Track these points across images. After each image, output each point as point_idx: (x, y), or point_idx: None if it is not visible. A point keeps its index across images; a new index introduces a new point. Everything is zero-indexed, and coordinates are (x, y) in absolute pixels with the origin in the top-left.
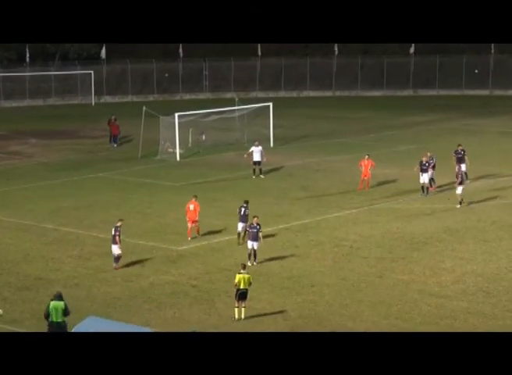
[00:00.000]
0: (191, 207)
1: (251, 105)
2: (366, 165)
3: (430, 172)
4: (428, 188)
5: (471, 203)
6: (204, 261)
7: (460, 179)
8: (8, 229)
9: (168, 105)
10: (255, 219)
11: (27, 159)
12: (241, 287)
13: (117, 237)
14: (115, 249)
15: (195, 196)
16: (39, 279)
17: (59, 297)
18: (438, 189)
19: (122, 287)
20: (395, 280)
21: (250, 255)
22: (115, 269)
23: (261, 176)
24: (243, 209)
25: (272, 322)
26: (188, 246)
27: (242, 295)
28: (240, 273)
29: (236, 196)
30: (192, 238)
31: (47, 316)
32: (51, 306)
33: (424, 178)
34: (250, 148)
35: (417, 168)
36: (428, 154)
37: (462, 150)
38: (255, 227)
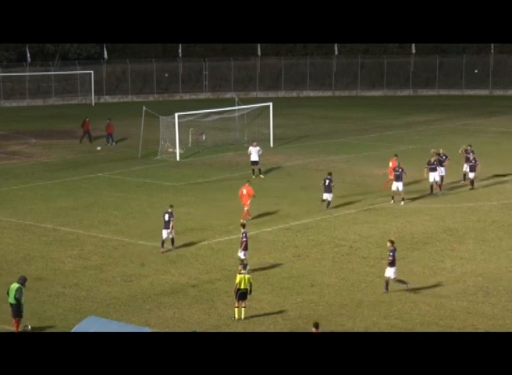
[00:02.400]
0: (244, 191)
1: (251, 105)
2: (393, 164)
3: (441, 169)
4: (440, 186)
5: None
6: (204, 261)
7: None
8: (8, 229)
9: (168, 105)
10: (243, 229)
11: (27, 159)
12: (241, 287)
13: (171, 222)
14: (166, 233)
15: (248, 181)
16: (39, 279)
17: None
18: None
19: (121, 287)
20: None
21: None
22: (161, 253)
23: (261, 176)
24: (327, 181)
25: (272, 322)
26: (188, 246)
27: (242, 295)
28: (240, 274)
29: (236, 196)
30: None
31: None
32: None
33: (435, 176)
34: (248, 148)
35: (426, 170)
36: (441, 150)
37: (471, 151)
38: (245, 236)
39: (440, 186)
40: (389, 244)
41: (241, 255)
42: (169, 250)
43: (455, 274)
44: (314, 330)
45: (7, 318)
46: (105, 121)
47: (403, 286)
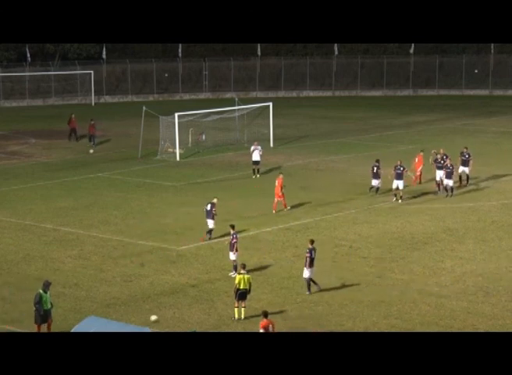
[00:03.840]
0: (275, 183)
1: (251, 105)
2: (419, 161)
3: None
4: (439, 185)
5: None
6: (204, 261)
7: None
8: (8, 229)
9: (168, 105)
10: (232, 230)
11: (27, 159)
12: (241, 287)
13: (213, 211)
14: (211, 223)
15: (281, 172)
16: (39, 279)
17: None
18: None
19: (121, 287)
20: (394, 280)
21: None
22: (202, 240)
23: (257, 175)
24: (375, 168)
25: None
26: (188, 246)
27: (242, 295)
28: (240, 274)
29: (235, 196)
30: (277, 212)
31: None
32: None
33: (440, 175)
34: (250, 148)
35: (432, 161)
36: (441, 151)
37: (468, 153)
38: (234, 237)
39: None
40: (309, 243)
41: (233, 257)
42: (206, 240)
43: (455, 274)
44: (263, 318)
45: (7, 318)
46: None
47: (316, 287)
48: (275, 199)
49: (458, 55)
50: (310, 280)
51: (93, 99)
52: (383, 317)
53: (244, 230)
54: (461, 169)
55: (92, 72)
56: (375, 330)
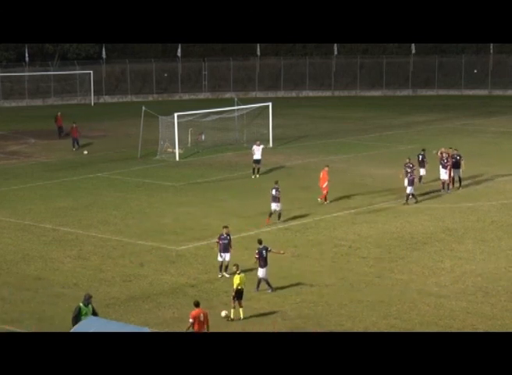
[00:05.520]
0: (321, 175)
1: (250, 105)
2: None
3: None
4: (448, 184)
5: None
6: (204, 261)
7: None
8: (7, 229)
9: (167, 105)
10: (225, 229)
11: (26, 159)
12: (240, 287)
13: (278, 195)
14: (275, 206)
15: (327, 165)
16: (38, 279)
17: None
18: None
19: (121, 287)
20: (394, 280)
21: (221, 267)
22: (267, 222)
23: (257, 175)
24: (420, 156)
25: (271, 322)
26: (187, 246)
27: (240, 295)
28: (238, 274)
29: (235, 196)
30: (322, 203)
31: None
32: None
33: (444, 175)
34: (252, 147)
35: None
36: (451, 149)
37: (458, 155)
38: (226, 238)
39: (449, 185)
40: (257, 243)
41: (226, 256)
42: (275, 223)
43: (454, 274)
44: (195, 308)
45: (7, 318)
46: (71, 125)
47: (269, 289)
48: (324, 191)
49: (457, 55)
50: (260, 280)
51: (92, 99)
52: (383, 317)
53: (244, 230)
54: (447, 172)
55: (91, 72)
56: (375, 330)
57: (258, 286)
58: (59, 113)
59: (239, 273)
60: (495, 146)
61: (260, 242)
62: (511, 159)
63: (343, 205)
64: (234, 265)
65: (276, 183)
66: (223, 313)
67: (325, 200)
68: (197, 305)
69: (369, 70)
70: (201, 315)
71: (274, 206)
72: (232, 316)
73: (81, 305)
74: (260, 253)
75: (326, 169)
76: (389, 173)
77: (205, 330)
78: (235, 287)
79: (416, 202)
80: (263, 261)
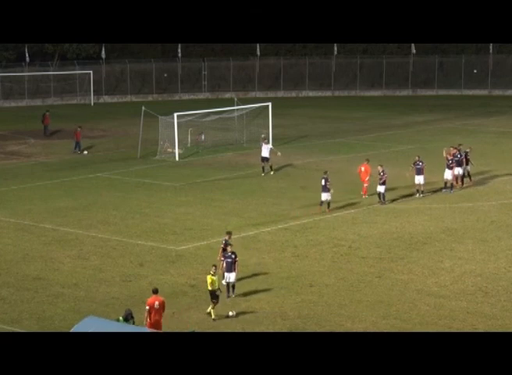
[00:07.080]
0: (363, 169)
1: (250, 105)
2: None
3: (459, 167)
4: (452, 184)
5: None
6: (203, 261)
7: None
8: (7, 229)
9: (167, 105)
10: (228, 235)
11: (26, 159)
12: (214, 288)
13: (328, 185)
14: (324, 196)
15: (367, 159)
16: (38, 279)
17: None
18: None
19: (120, 287)
20: (394, 280)
21: (228, 289)
22: (318, 210)
23: (271, 173)
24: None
25: (271, 322)
26: (187, 246)
27: (212, 295)
28: (212, 275)
29: (235, 196)
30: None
31: None
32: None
33: (448, 175)
34: (260, 145)
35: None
36: (452, 148)
37: (464, 151)
38: (230, 257)
39: (452, 185)
40: (228, 248)
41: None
42: (325, 212)
43: (454, 274)
44: (153, 294)
45: (6, 318)
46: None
47: (232, 293)
48: (364, 184)
49: (457, 55)
50: (228, 285)
51: (92, 99)
52: (382, 317)
53: (244, 230)
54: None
55: (91, 72)
56: (375, 330)
57: (228, 291)
58: (48, 113)
59: (213, 275)
60: (495, 146)
61: (230, 246)
62: (511, 159)
63: (342, 204)
64: (213, 265)
65: (325, 173)
66: (230, 313)
67: (365, 194)
68: (155, 292)
69: (369, 70)
70: (156, 302)
71: (325, 196)
72: (213, 316)
73: (121, 319)
74: (230, 258)
75: (366, 163)
76: (388, 173)
77: (158, 318)
78: (210, 286)
79: (382, 204)
80: (232, 264)
